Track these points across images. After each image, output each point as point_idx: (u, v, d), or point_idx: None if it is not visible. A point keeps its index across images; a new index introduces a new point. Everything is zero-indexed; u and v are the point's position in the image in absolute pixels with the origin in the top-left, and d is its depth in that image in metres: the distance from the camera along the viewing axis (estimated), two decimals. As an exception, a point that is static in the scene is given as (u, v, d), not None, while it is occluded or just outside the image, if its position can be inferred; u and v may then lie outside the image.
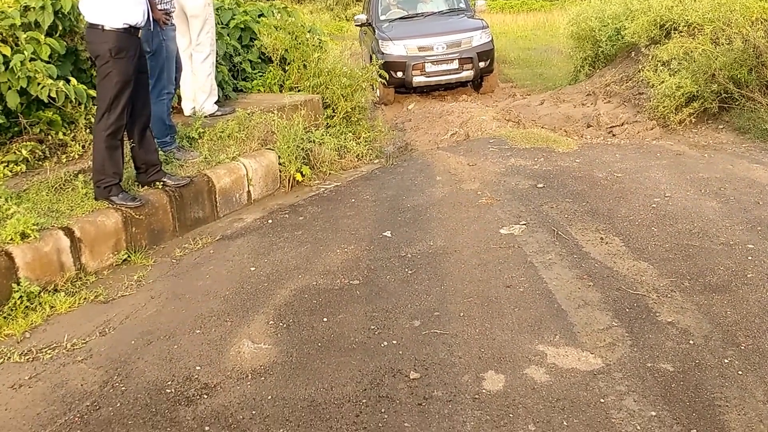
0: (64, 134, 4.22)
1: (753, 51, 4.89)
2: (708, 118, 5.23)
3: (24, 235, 3.16)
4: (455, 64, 8.61)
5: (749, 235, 3.16)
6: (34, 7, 4.14)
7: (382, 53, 8.65)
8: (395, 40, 8.77)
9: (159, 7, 4.21)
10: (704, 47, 5.26)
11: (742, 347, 2.30)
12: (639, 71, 6.10)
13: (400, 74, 8.59)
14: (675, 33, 5.81)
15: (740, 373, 2.18)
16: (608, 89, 6.69)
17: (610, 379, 2.23)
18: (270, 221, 4.18)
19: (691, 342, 2.37)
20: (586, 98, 6.81)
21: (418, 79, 8.67)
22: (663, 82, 5.36)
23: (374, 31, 9.30)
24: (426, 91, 9.10)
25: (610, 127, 5.74)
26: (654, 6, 6.25)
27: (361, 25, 10.17)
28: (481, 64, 8.67)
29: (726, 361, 2.24)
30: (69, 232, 3.38)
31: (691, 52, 5.38)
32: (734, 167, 4.16)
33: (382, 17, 9.68)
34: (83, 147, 4.21)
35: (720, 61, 5.04)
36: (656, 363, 2.28)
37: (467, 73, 8.70)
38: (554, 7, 15.59)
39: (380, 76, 7.74)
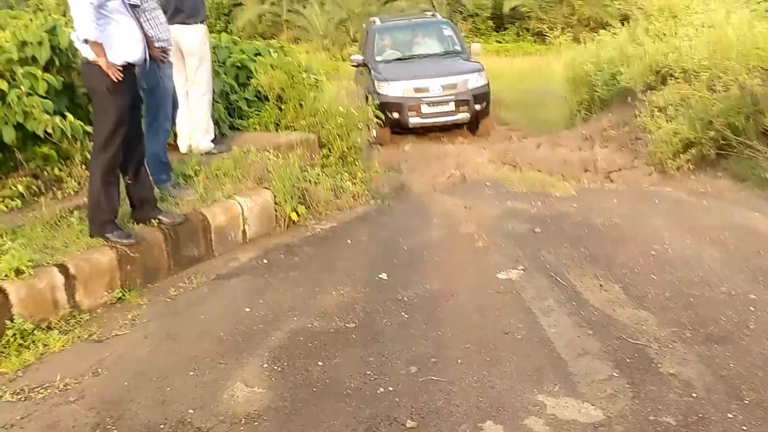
0: (60, 170, 4.24)
1: (750, 98, 5.03)
2: (706, 164, 5.34)
3: (18, 272, 3.16)
4: (451, 106, 8.73)
5: (751, 285, 3.20)
6: (31, 43, 4.21)
7: (379, 94, 8.75)
8: (391, 80, 8.91)
9: (156, 44, 4.25)
10: (701, 94, 5.41)
11: (746, 401, 2.31)
12: (636, 116, 6.25)
13: (396, 115, 8.67)
14: (671, 79, 5.98)
15: (744, 428, 2.18)
16: (605, 134, 6.84)
17: (612, 433, 2.22)
18: (265, 261, 4.18)
19: (693, 395, 2.37)
20: (582, 142, 6.96)
21: (414, 120, 8.78)
22: (660, 128, 5.50)
23: (370, 72, 9.46)
24: (422, 132, 9.21)
25: (608, 172, 5.86)
26: (650, 52, 6.46)
27: (357, 66, 10.28)
28: (477, 107, 8.78)
29: (730, 415, 2.24)
30: (64, 269, 3.38)
31: (688, 98, 5.54)
32: (733, 215, 4.23)
33: (378, 58, 9.85)
34: (79, 183, 4.24)
35: (717, 107, 5.18)
36: (658, 416, 2.27)
37: (463, 115, 8.81)
38: (549, 51, 16.01)
39: (376, 116, 7.90)
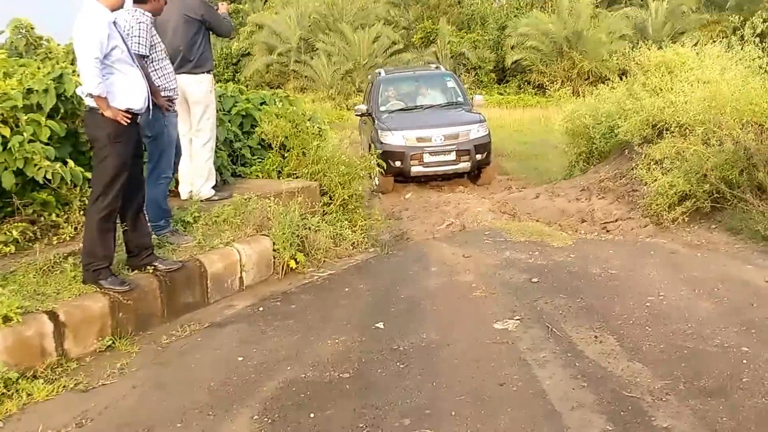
0: (58, 215, 4.23)
1: (744, 153, 5.13)
2: (701, 217, 5.40)
3: (7, 318, 3.13)
4: (453, 156, 8.90)
5: (744, 338, 3.21)
6: (37, 90, 4.27)
7: (381, 142, 8.95)
8: (394, 130, 9.10)
9: (163, 94, 4.35)
10: (696, 148, 5.51)
11: (740, 456, 2.30)
12: (632, 169, 6.35)
13: (398, 163, 8.85)
14: (667, 133, 6.10)
15: (737, 483, 2.17)
16: (602, 185, 6.93)
17: (605, 488, 2.21)
18: (261, 309, 4.19)
19: (687, 450, 2.37)
20: (580, 193, 7.04)
21: (416, 169, 8.93)
22: (656, 180, 5.58)
23: (374, 121, 9.66)
24: (423, 180, 9.36)
25: (605, 223, 5.91)
26: (646, 106, 6.60)
27: (361, 115, 10.49)
28: (478, 157, 8.94)
29: (723, 470, 2.23)
30: (53, 316, 3.35)
31: (683, 152, 5.63)
32: (728, 268, 4.26)
33: (382, 108, 10.05)
34: (76, 229, 4.23)
35: (711, 161, 5.27)
36: (652, 471, 2.27)
37: (464, 165, 8.96)
38: (549, 103, 16.34)
39: (378, 165, 8.01)
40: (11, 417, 2.86)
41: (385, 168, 8.77)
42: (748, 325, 3.34)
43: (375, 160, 6.63)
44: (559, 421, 2.63)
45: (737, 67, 6.16)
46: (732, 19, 7.82)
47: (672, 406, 2.65)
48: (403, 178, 9.21)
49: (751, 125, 5.37)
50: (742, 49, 6.62)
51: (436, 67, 12.24)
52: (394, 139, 9.05)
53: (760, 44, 6.95)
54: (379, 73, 11.16)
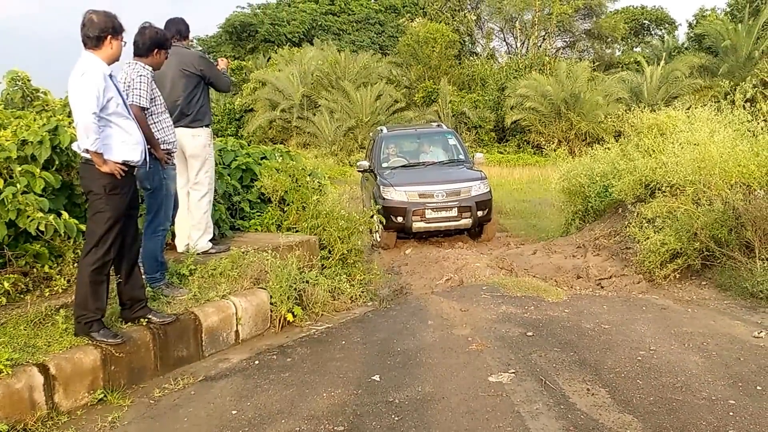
0: (50, 267, 4.17)
1: (732, 212, 5.32)
2: (692, 274, 5.54)
3: None
4: (454, 212, 9.05)
5: (731, 391, 3.29)
6: (31, 142, 4.23)
7: (384, 198, 9.14)
8: (397, 186, 9.24)
9: (162, 147, 4.39)
10: (686, 207, 5.71)
11: (724, 506, 2.38)
12: (626, 227, 6.52)
13: (400, 219, 8.98)
14: (659, 192, 6.31)
15: None
16: (597, 242, 7.11)
17: None
18: (257, 362, 4.22)
19: (673, 499, 2.44)
20: (576, 250, 7.20)
21: (417, 225, 9.04)
22: (648, 238, 5.75)
23: (376, 177, 9.84)
24: (425, 236, 9.50)
25: (599, 279, 6.04)
26: (639, 167, 6.84)
27: (363, 171, 10.70)
28: (479, 213, 9.09)
29: None
30: (44, 368, 3.34)
31: (674, 211, 5.83)
32: (716, 323, 4.36)
33: (384, 164, 10.26)
34: (68, 281, 4.18)
35: (701, 220, 5.46)
36: None
37: (465, 221, 9.10)
38: (548, 162, 16.74)
39: (380, 221, 8.11)
40: (-1, 472, 2.88)
41: (387, 224, 9.00)
42: (735, 379, 3.43)
43: (375, 215, 6.82)
44: (549, 471, 2.70)
45: (726, 130, 6.44)
46: (722, 84, 8.21)
47: (660, 458, 2.73)
48: (405, 233, 9.28)
49: (739, 186, 5.58)
50: (731, 112, 6.92)
51: (438, 125, 12.53)
52: (397, 195, 9.18)
53: (749, 108, 7.27)
54: (381, 130, 11.38)
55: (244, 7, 37.20)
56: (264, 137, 27.07)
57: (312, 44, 31.75)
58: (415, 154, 10.74)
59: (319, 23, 36.35)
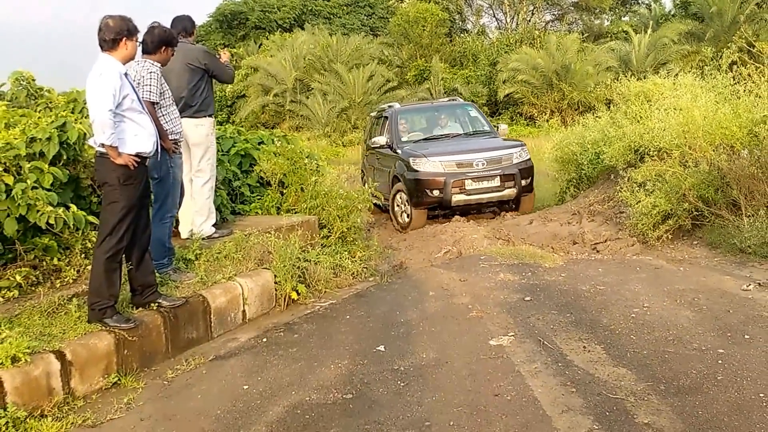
0: (60, 260, 4.23)
1: (717, 173, 5.40)
2: (683, 234, 5.63)
3: (15, 359, 3.19)
4: (497, 182, 8.07)
5: (720, 341, 3.40)
6: (40, 138, 4.30)
7: (415, 170, 8.11)
8: (430, 156, 8.18)
9: (171, 137, 4.54)
10: (674, 170, 5.79)
11: (713, 445, 2.49)
12: (618, 192, 6.61)
13: (436, 193, 7.96)
14: (647, 157, 6.39)
15: (710, 468, 2.35)
16: (592, 208, 7.19)
17: (591, 479, 2.38)
18: (264, 340, 4.31)
19: (665, 441, 2.55)
20: (571, 217, 7.28)
21: (457, 198, 8.03)
22: (639, 201, 5.83)
23: (397, 153, 8.80)
24: (460, 213, 8.52)
25: (594, 243, 6.13)
26: (628, 133, 6.91)
27: (377, 148, 9.47)
28: (523, 182, 8.16)
29: (698, 458, 2.42)
30: (60, 355, 3.40)
31: (663, 174, 5.91)
32: (707, 279, 4.46)
33: (404, 138, 9.17)
34: (78, 272, 4.27)
35: (689, 182, 5.54)
36: (633, 461, 2.45)
37: (509, 191, 8.13)
38: (541, 133, 16.75)
39: (410, 197, 7.54)
40: (21, 456, 2.95)
41: (417, 200, 7.98)
42: (724, 330, 3.53)
43: (370, 193, 6.69)
44: (549, 424, 2.80)
45: (707, 95, 6.49)
46: (705, 50, 8.24)
47: (653, 405, 2.83)
48: (441, 209, 8.29)
49: (723, 147, 5.65)
50: (714, 77, 6.96)
51: (453, 99, 11.34)
52: (431, 165, 8.07)
53: (735, 71, 7.29)
54: (392, 106, 10.24)
55: (233, -5, 36.88)
56: (256, 122, 27.00)
57: (303, 29, 31.49)
58: (434, 127, 9.59)
59: (309, 8, 36.01)
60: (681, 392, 2.90)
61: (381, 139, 9.37)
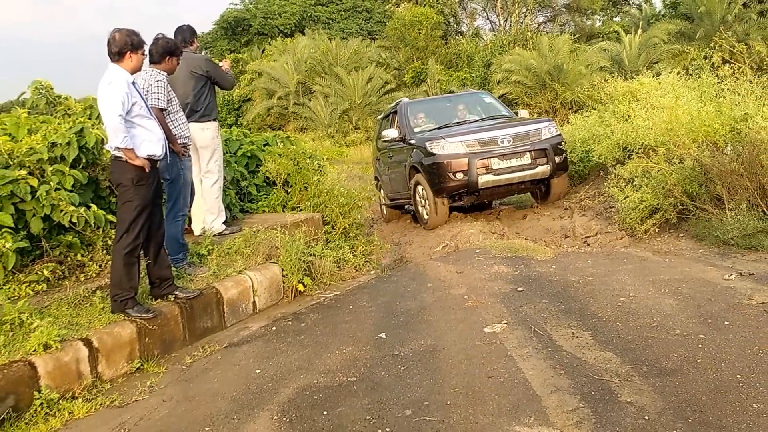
0: (82, 255, 4.45)
1: (701, 169, 5.50)
2: (669, 227, 5.73)
3: (47, 346, 3.38)
4: (527, 158, 7.03)
5: (701, 327, 3.50)
6: (60, 143, 4.53)
7: (433, 154, 7.14)
8: (449, 137, 7.19)
9: (179, 141, 4.74)
10: (660, 166, 5.89)
11: (690, 420, 2.59)
12: (607, 188, 6.71)
13: (460, 176, 6.96)
14: (635, 154, 6.49)
15: (688, 442, 2.46)
16: (582, 204, 7.29)
17: (577, 452, 2.50)
18: (274, 328, 4.47)
19: (646, 417, 2.65)
20: (563, 212, 7.38)
21: (485, 179, 7.00)
22: (627, 197, 5.94)
23: (411, 143, 7.91)
24: (488, 202, 7.66)
25: (585, 237, 6.24)
26: (615, 132, 7.01)
27: (389, 141, 8.52)
28: (557, 159, 7.13)
29: (676, 432, 2.53)
30: (87, 342, 3.60)
31: (649, 170, 6.01)
32: (691, 270, 4.56)
33: (417, 129, 8.29)
34: (100, 266, 4.48)
35: (674, 177, 5.63)
36: (617, 436, 2.56)
37: (543, 168, 7.08)
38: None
39: (431, 185, 6.62)
40: (56, 432, 3.13)
41: (438, 186, 7.04)
42: (706, 317, 3.63)
43: (375, 191, 6.78)
44: (539, 402, 2.92)
45: (690, 93, 6.58)
46: (689, 50, 8.35)
47: (636, 385, 2.94)
48: (467, 197, 7.31)
49: (707, 144, 5.75)
50: (699, 77, 7.06)
51: (467, 91, 10.14)
52: (451, 147, 7.04)
53: (717, 70, 7.40)
54: (402, 100, 9.32)
55: (236, 4, 37.05)
56: (263, 124, 27.15)
57: (304, 34, 31.61)
58: (450, 118, 8.50)
59: (309, 14, 36.11)
60: (662, 374, 3.01)
61: (392, 132, 8.40)
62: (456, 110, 8.75)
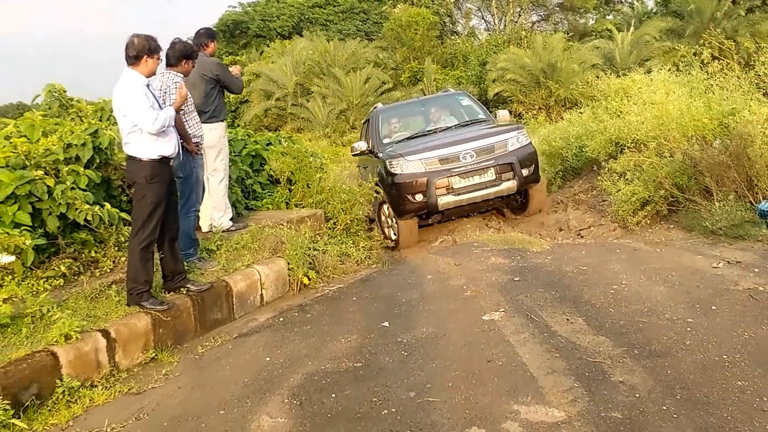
0: (96, 252, 4.57)
1: (691, 162, 5.61)
2: (660, 219, 5.83)
3: (67, 337, 3.51)
4: (491, 174, 6.50)
5: (689, 312, 3.62)
6: (75, 144, 4.65)
7: (393, 174, 6.64)
8: (408, 155, 6.66)
9: (193, 140, 4.83)
10: (651, 160, 6.00)
11: (678, 397, 2.72)
12: (600, 182, 6.82)
13: (419, 197, 6.46)
14: (626, 149, 6.60)
15: (675, 416, 2.58)
16: (576, 198, 7.40)
17: (571, 428, 2.61)
18: (281, 319, 4.59)
19: (637, 395, 2.78)
20: (558, 206, 7.49)
21: (445, 200, 6.48)
22: (619, 190, 6.05)
23: (378, 156, 7.38)
24: (454, 218, 7.18)
25: (579, 230, 6.35)
26: (608, 127, 7.12)
27: (360, 154, 7.94)
28: (524, 172, 6.58)
29: (664, 408, 2.65)
30: (105, 333, 3.73)
31: (641, 164, 6.13)
32: (681, 259, 4.67)
33: (386, 141, 7.72)
34: (114, 262, 4.61)
35: (665, 171, 5.74)
36: (608, 413, 2.68)
37: (508, 184, 6.54)
38: (528, 128, 16.86)
39: (392, 206, 6.29)
40: (78, 418, 3.27)
41: (401, 208, 6.55)
42: (694, 302, 3.75)
43: (372, 188, 6.65)
44: (536, 383, 3.04)
45: (680, 89, 6.69)
46: (679, 48, 8.47)
47: (627, 366, 3.06)
48: (429, 215, 6.87)
49: (696, 138, 5.86)
50: (689, 73, 7.16)
51: (446, 91, 9.83)
52: (410, 165, 6.55)
53: (706, 66, 7.51)
54: (376, 107, 8.88)
55: (235, 6, 37.12)
56: (260, 125, 27.13)
57: (301, 36, 31.64)
58: (422, 125, 8.12)
59: (307, 16, 36.17)
60: (652, 355, 3.13)
61: (362, 145, 7.85)
62: (434, 115, 8.24)
